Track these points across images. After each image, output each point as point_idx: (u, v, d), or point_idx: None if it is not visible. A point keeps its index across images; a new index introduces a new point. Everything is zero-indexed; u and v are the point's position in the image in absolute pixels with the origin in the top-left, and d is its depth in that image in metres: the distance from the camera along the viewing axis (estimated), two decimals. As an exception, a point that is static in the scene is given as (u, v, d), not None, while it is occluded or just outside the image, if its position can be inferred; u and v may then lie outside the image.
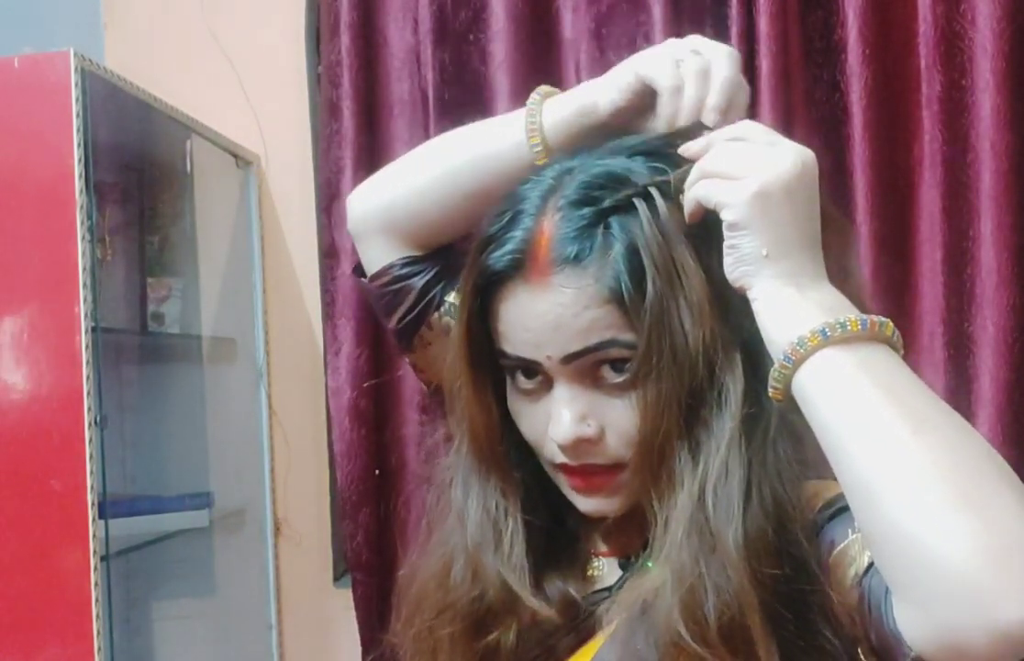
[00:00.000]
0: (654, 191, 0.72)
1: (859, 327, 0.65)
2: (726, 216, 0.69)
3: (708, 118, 0.76)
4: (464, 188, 0.87)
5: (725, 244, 0.70)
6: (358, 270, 0.97)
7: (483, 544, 0.81)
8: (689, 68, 0.76)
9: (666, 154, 0.75)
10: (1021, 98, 1.64)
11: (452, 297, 0.90)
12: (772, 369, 0.67)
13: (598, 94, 0.80)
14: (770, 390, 0.68)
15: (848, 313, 0.67)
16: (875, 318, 0.66)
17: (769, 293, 0.68)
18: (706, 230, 0.72)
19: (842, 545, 0.69)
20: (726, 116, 0.76)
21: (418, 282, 0.91)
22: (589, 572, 0.84)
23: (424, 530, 0.87)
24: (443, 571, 0.83)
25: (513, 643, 0.80)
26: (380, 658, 0.92)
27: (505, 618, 0.80)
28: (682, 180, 0.73)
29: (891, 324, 0.67)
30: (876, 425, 0.62)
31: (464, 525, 0.82)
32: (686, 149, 0.74)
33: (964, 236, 1.69)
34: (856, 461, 0.62)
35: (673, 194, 0.73)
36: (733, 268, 0.70)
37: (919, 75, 1.72)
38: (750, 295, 0.69)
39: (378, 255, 0.93)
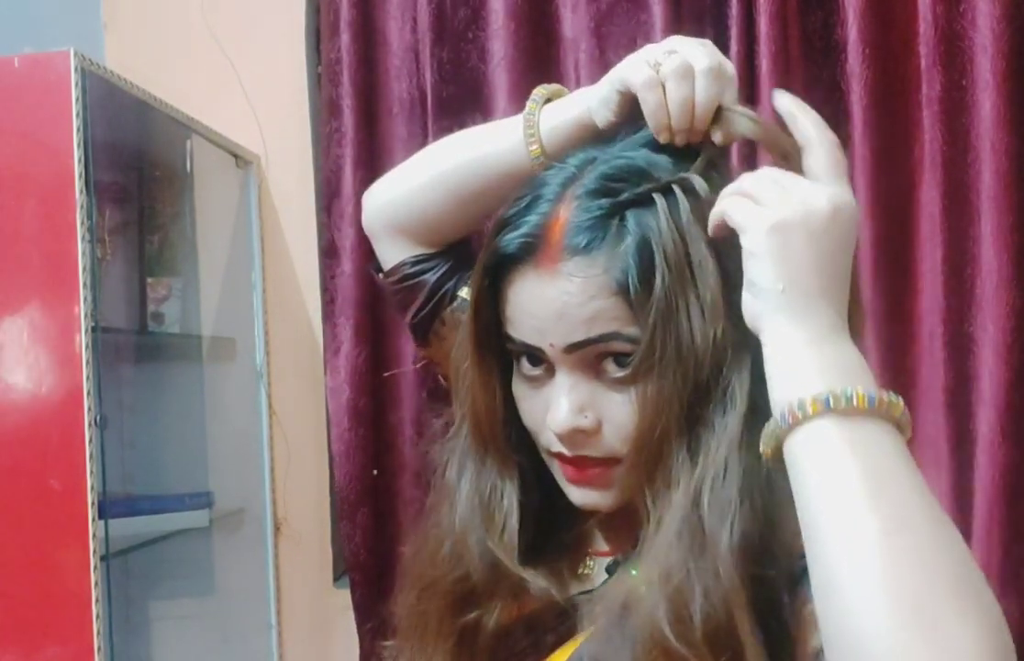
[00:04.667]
0: (677, 188, 0.72)
1: (866, 404, 0.61)
2: (743, 242, 0.67)
3: (700, 115, 0.75)
4: (464, 188, 0.88)
5: (745, 278, 0.67)
6: (375, 265, 0.99)
7: (470, 526, 0.81)
8: (667, 68, 0.75)
9: (689, 150, 0.75)
10: (1021, 98, 1.64)
11: (464, 292, 0.90)
12: (767, 424, 0.65)
13: (594, 110, 0.80)
14: (760, 446, 0.65)
15: (857, 384, 0.62)
16: (885, 396, 0.62)
17: (781, 337, 0.65)
18: (731, 240, 0.70)
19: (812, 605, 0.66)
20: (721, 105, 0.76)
21: (430, 278, 0.92)
22: (581, 570, 0.83)
23: (427, 508, 0.88)
24: (434, 548, 0.84)
25: (496, 630, 0.80)
26: (378, 658, 0.92)
27: (486, 600, 0.80)
28: (698, 170, 0.73)
29: (902, 403, 0.62)
30: (851, 515, 0.59)
31: (454, 506, 0.83)
32: (778, 100, 0.75)
33: (964, 236, 1.69)
34: (825, 545, 0.60)
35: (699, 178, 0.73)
36: (750, 305, 0.67)
37: (919, 75, 1.72)
38: (763, 339, 0.66)
39: (391, 253, 0.94)
